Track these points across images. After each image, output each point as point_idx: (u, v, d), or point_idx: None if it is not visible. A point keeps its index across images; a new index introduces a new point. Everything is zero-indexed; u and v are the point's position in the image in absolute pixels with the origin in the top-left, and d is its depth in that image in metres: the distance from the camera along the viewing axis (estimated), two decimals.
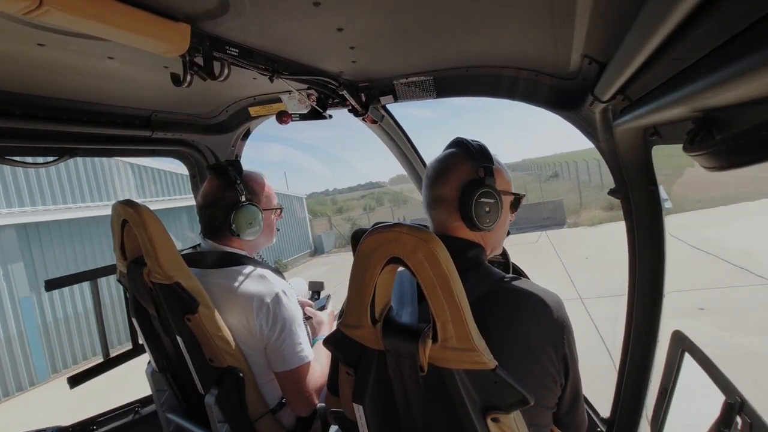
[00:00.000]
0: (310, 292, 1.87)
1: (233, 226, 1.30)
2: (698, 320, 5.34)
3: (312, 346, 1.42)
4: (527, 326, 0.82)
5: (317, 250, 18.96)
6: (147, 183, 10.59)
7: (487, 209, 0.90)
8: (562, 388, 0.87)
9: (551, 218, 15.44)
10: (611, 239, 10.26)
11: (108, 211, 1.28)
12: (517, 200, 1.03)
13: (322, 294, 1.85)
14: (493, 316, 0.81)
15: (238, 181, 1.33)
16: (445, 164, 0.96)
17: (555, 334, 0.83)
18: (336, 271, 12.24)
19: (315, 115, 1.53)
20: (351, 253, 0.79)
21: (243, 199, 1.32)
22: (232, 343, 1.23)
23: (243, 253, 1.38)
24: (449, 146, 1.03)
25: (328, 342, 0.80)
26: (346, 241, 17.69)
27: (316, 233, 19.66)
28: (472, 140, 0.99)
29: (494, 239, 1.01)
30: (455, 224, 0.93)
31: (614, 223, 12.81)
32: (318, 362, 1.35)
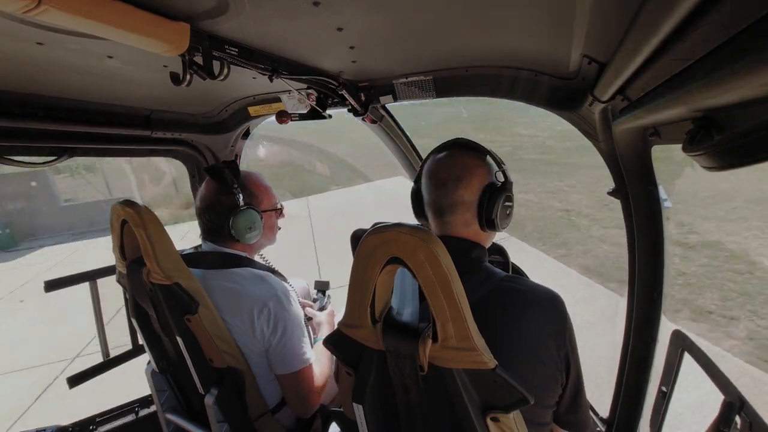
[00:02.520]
0: (315, 290, 1.88)
1: (232, 231, 1.29)
2: None
3: (312, 346, 1.42)
4: (530, 324, 0.82)
5: None
6: None
7: (508, 212, 0.97)
8: (563, 387, 0.87)
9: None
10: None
11: None
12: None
13: (328, 293, 1.86)
14: (497, 316, 0.81)
15: (235, 185, 1.31)
16: (462, 168, 0.96)
17: (557, 332, 0.83)
18: None
19: (314, 114, 1.53)
20: None
21: (241, 203, 1.31)
22: (232, 344, 1.22)
23: (243, 254, 1.37)
24: (455, 147, 1.02)
25: (328, 342, 0.81)
26: None
27: None
28: (476, 141, 1.01)
29: (492, 239, 1.03)
30: (468, 227, 0.95)
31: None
32: (318, 363, 1.35)
